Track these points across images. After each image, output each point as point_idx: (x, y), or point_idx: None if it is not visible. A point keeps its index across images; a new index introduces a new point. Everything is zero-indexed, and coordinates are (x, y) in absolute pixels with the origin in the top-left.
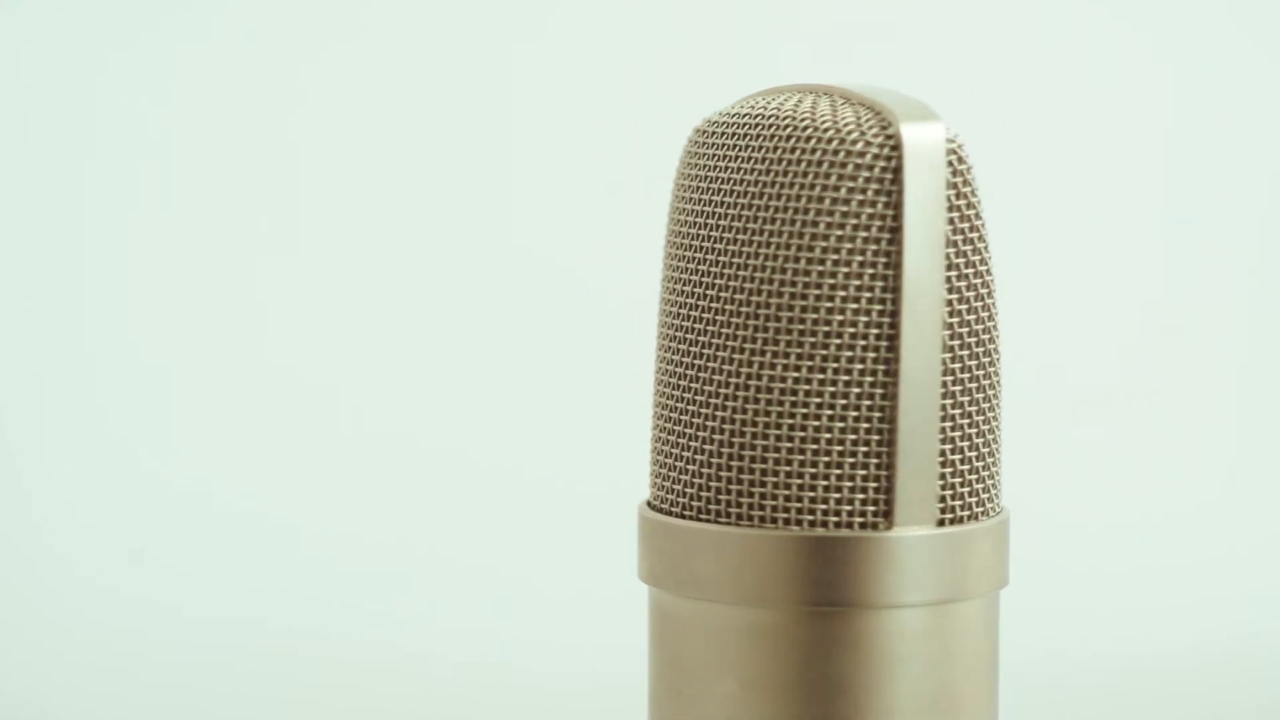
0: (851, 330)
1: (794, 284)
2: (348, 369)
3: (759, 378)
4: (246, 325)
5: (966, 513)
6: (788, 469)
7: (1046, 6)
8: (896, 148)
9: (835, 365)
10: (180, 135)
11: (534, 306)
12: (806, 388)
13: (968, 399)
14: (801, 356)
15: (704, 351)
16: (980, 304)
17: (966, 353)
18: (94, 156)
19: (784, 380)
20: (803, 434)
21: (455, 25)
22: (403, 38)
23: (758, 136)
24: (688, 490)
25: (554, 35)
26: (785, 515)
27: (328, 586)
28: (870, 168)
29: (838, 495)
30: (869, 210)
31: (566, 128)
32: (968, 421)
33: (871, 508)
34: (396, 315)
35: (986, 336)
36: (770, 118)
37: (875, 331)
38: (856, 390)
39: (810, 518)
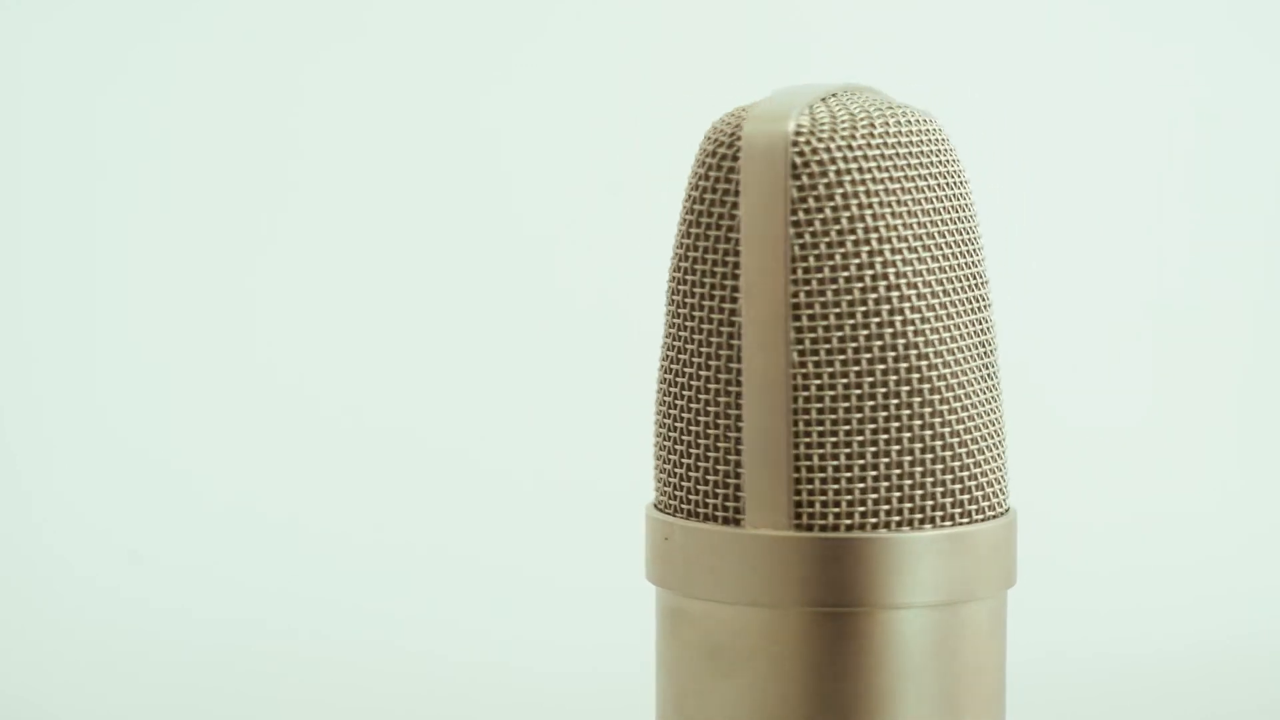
0: (710, 330)
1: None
2: (351, 370)
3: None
4: (248, 326)
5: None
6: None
7: (1049, 7)
8: (740, 150)
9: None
10: (180, 136)
11: (538, 306)
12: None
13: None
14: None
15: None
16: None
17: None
18: (94, 157)
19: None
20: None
21: (455, 26)
22: (402, 38)
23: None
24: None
25: (554, 36)
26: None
27: (329, 586)
28: (718, 168)
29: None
30: (718, 210)
31: (568, 128)
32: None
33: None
34: (400, 316)
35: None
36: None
37: (729, 331)
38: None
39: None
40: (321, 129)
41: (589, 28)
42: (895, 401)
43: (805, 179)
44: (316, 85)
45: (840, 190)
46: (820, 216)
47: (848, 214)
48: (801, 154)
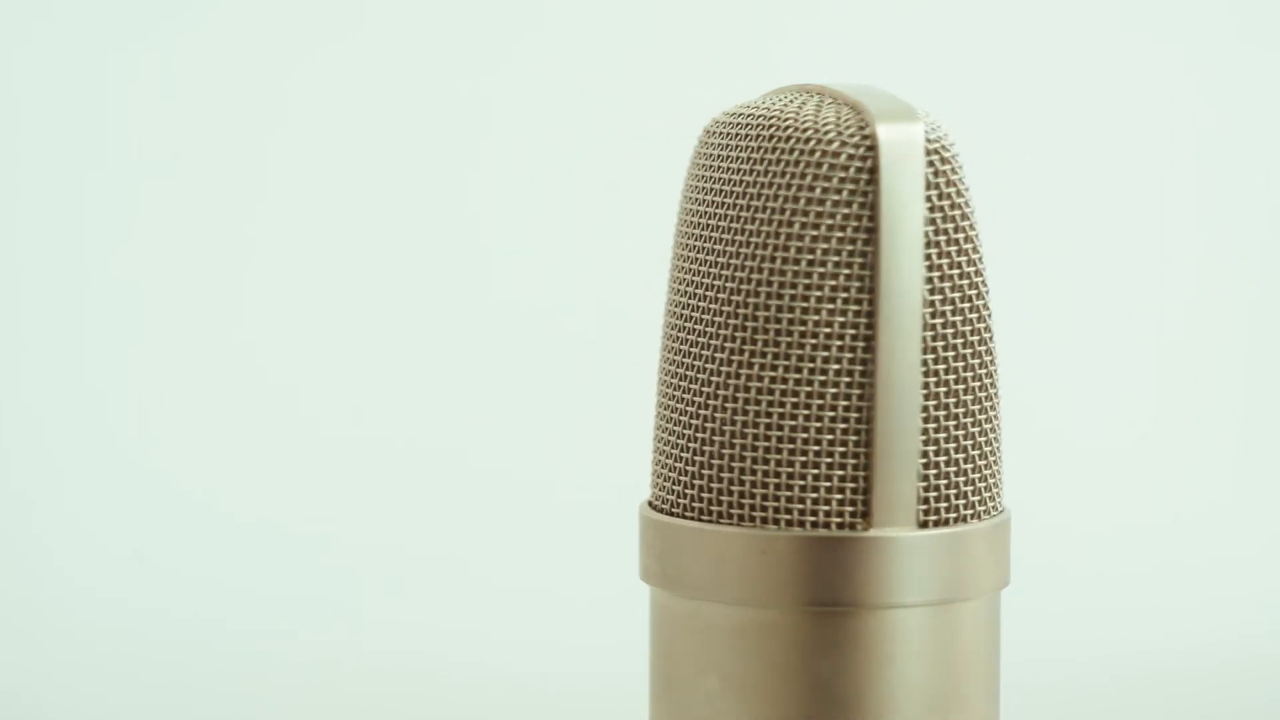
0: (827, 331)
1: (771, 285)
2: (343, 373)
3: (742, 379)
4: (248, 330)
5: (969, 512)
6: (779, 470)
7: (1048, 9)
8: (873, 148)
9: (812, 366)
10: (180, 141)
11: (534, 306)
12: (783, 389)
13: (958, 399)
14: (779, 358)
15: (699, 352)
16: (968, 305)
17: (953, 354)
18: (93, 160)
19: (764, 382)
20: (784, 434)
21: (452, 25)
22: (394, 38)
23: (747, 137)
24: (687, 490)
25: (551, 34)
26: (785, 516)
27: (328, 590)
28: (845, 168)
29: (815, 495)
30: (844, 210)
31: (567, 128)
32: (954, 423)
33: (850, 509)
34: (395, 319)
35: (976, 338)
36: (760, 118)
37: (851, 333)
38: (833, 391)
39: (801, 518)
40: (313, 134)
41: (586, 26)
42: (988, 396)
43: (934, 178)
44: (304, 90)
45: (954, 189)
46: (941, 215)
47: (958, 211)
48: (929, 154)
